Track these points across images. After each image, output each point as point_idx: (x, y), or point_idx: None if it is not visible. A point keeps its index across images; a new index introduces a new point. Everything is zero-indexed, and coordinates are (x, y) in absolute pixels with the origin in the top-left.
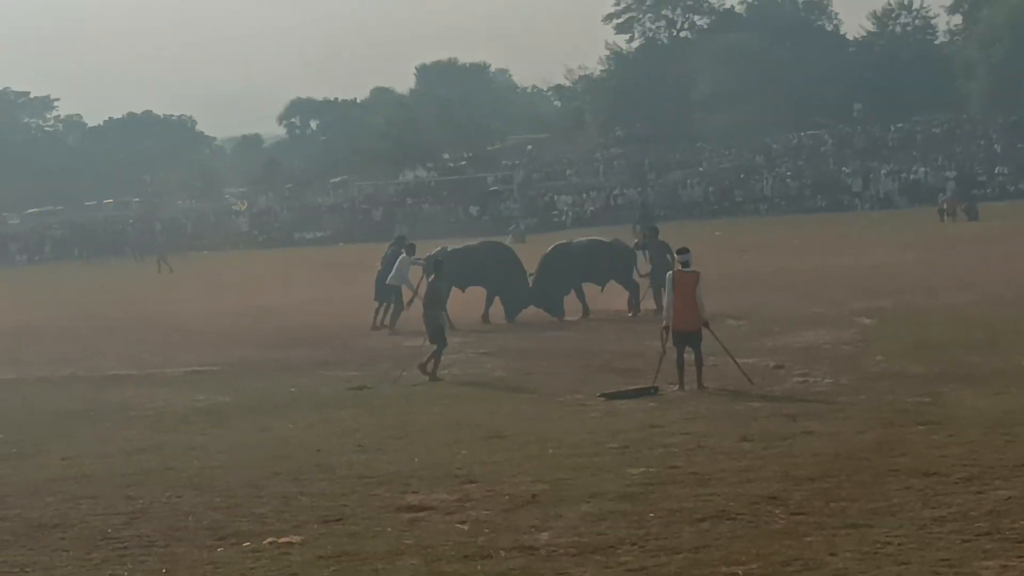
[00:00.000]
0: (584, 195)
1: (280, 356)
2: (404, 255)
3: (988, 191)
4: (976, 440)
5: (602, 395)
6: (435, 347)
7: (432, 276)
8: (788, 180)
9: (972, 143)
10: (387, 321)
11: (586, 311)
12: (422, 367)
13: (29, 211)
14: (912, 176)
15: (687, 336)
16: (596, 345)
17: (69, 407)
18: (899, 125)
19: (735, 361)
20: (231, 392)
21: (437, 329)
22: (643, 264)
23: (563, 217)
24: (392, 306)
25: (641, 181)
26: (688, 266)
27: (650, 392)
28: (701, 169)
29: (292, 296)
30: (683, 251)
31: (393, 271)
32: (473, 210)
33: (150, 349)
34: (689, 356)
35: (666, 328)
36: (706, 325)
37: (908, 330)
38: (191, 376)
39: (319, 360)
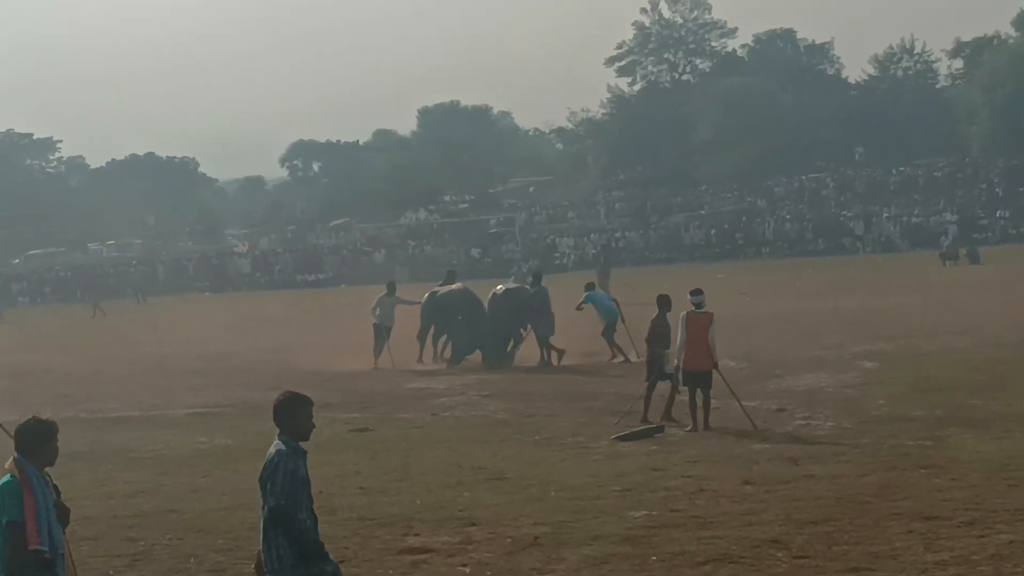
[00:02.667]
0: (586, 237)
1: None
2: (386, 295)
3: (989, 235)
4: (978, 484)
5: (616, 437)
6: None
7: (657, 313)
8: (790, 223)
9: (974, 187)
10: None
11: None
12: (666, 414)
13: (31, 252)
14: (914, 220)
15: (697, 376)
16: (598, 387)
17: (71, 448)
18: (901, 169)
19: (740, 404)
20: (233, 434)
21: (660, 367)
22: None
23: (564, 260)
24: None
25: (643, 224)
26: (701, 307)
27: (657, 431)
28: (703, 212)
29: (293, 338)
30: (696, 292)
31: (381, 311)
32: (475, 252)
33: (152, 391)
34: (699, 397)
35: (677, 369)
36: (715, 366)
37: (910, 373)
38: (193, 418)
39: (321, 402)
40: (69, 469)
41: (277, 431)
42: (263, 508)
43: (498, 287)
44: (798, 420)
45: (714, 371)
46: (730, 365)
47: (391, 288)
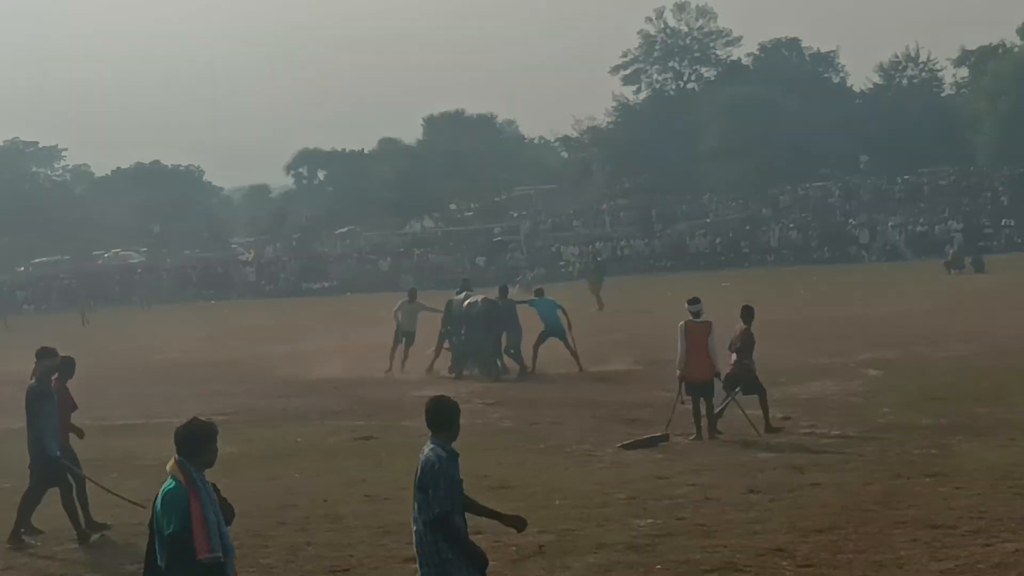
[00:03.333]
0: (590, 246)
1: (287, 405)
2: (408, 301)
3: (994, 243)
4: (983, 492)
5: (621, 446)
6: (758, 395)
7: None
8: (794, 231)
9: (979, 195)
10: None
11: (504, 370)
12: (768, 426)
13: (36, 260)
14: (919, 228)
15: (699, 386)
16: (602, 396)
17: (77, 456)
18: (906, 177)
19: (743, 412)
20: (238, 441)
21: (752, 377)
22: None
23: (569, 268)
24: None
25: (648, 232)
26: (699, 316)
27: (662, 440)
28: (708, 220)
29: (298, 346)
30: (694, 301)
31: (404, 316)
32: (480, 260)
33: (157, 398)
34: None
35: (680, 379)
36: (717, 375)
37: (915, 381)
38: None
39: (326, 410)
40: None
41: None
42: (419, 512)
43: (463, 297)
44: (803, 428)
45: (718, 379)
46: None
47: (413, 295)
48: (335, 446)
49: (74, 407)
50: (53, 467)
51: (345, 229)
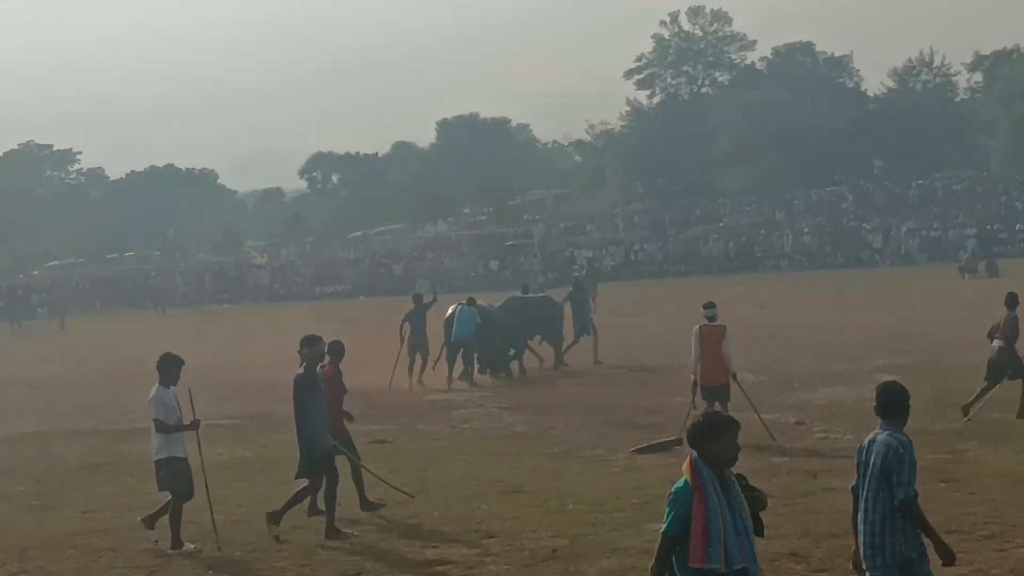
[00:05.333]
0: (604, 250)
1: None
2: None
3: (1008, 248)
4: (998, 498)
5: (635, 450)
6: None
7: (1008, 310)
8: (808, 236)
9: (993, 200)
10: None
11: (523, 370)
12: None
13: (50, 264)
14: (932, 233)
15: (714, 390)
16: (616, 400)
17: (90, 460)
18: (919, 182)
19: (759, 416)
20: (251, 446)
21: (1019, 363)
22: None
23: (583, 272)
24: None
25: (661, 236)
26: (714, 320)
27: (675, 444)
28: (721, 224)
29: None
30: (709, 305)
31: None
32: (493, 264)
33: None
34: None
35: (695, 383)
36: (734, 378)
37: (929, 387)
38: (212, 430)
39: None
40: (88, 481)
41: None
42: (874, 504)
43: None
44: (817, 433)
45: (734, 383)
46: (749, 378)
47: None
48: None
49: (345, 391)
50: (326, 458)
51: (359, 233)
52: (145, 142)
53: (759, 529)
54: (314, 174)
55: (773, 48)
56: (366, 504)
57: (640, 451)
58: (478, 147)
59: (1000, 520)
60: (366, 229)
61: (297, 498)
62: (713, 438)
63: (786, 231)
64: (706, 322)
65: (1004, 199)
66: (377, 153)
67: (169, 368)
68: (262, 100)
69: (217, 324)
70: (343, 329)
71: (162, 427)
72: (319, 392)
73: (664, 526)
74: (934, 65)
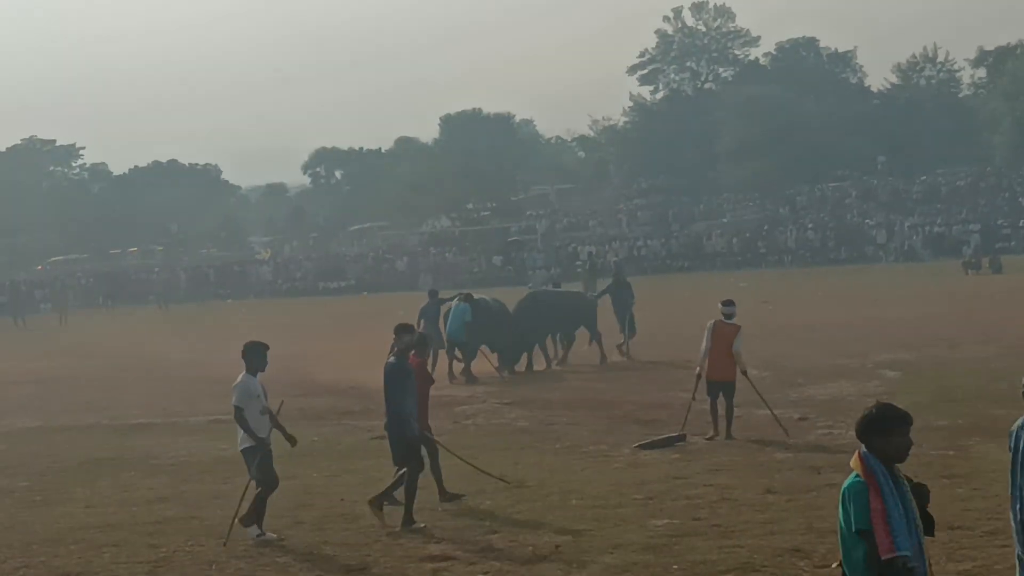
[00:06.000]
0: (607, 245)
1: (303, 405)
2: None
3: (1012, 244)
4: (1001, 494)
5: (638, 446)
6: None
7: None
8: (812, 232)
9: (996, 196)
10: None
11: (549, 363)
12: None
13: (54, 259)
14: (936, 229)
15: (720, 385)
16: (619, 395)
17: (93, 455)
18: (923, 178)
19: (772, 412)
20: None
21: None
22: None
23: (586, 267)
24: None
25: (665, 232)
26: (731, 318)
27: (679, 440)
28: (725, 220)
29: (314, 345)
30: (728, 303)
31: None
32: (496, 260)
33: (174, 397)
34: (721, 405)
35: (699, 376)
36: (744, 374)
37: (932, 382)
38: (214, 425)
39: (342, 409)
40: (92, 476)
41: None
42: (1018, 488)
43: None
44: (820, 429)
45: (744, 378)
46: (753, 373)
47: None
48: (352, 446)
49: (432, 381)
50: (415, 447)
51: (361, 228)
52: (148, 137)
53: (930, 528)
54: (317, 169)
55: (776, 44)
56: (445, 495)
57: (644, 447)
58: (481, 142)
59: (1002, 516)
60: (369, 224)
61: (399, 483)
62: (886, 432)
63: (789, 226)
64: (722, 318)
65: (1008, 195)
66: (380, 148)
67: (255, 355)
68: (265, 95)
69: (220, 319)
70: (348, 324)
71: (239, 418)
72: (410, 381)
73: (854, 524)
74: (938, 61)
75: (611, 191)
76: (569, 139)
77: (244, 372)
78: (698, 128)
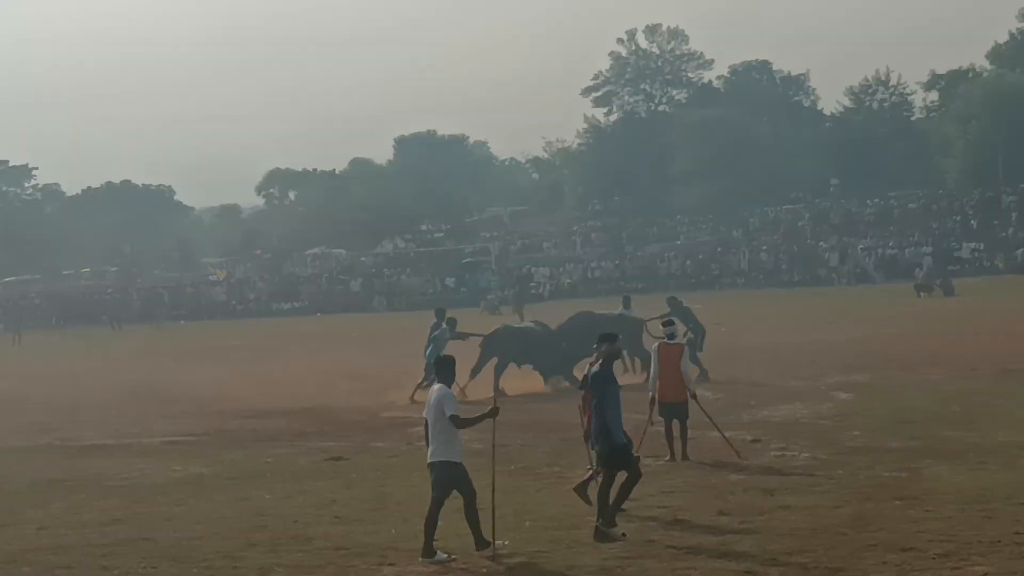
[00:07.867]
0: (561, 267)
1: (257, 426)
2: (444, 328)
3: (964, 267)
4: (953, 516)
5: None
6: None
7: None
8: (765, 254)
9: (948, 219)
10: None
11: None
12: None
13: (6, 279)
14: (888, 251)
15: (673, 407)
16: (573, 417)
17: (45, 476)
18: (876, 200)
19: (722, 434)
20: (208, 462)
21: None
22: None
23: (541, 289)
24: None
25: (618, 254)
26: (673, 338)
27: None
28: (678, 242)
29: (268, 366)
30: (668, 323)
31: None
32: (450, 281)
33: (127, 419)
34: (676, 427)
35: (652, 400)
36: (693, 396)
37: (885, 405)
38: (168, 446)
39: (296, 431)
40: (44, 498)
41: None
42: None
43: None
44: (773, 451)
45: (693, 401)
46: (706, 395)
47: (452, 324)
48: (305, 467)
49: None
50: (621, 453)
51: (316, 249)
52: (101, 158)
53: None
54: (271, 190)
55: (730, 66)
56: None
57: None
58: (435, 164)
59: (955, 538)
60: (323, 246)
61: (624, 492)
62: None
63: (743, 249)
64: (665, 340)
65: (959, 218)
66: (334, 170)
67: (447, 369)
68: (219, 116)
69: (173, 341)
70: (302, 345)
71: (461, 422)
72: (614, 389)
73: None
74: (890, 84)
75: (565, 213)
76: (523, 161)
77: (441, 385)
78: (652, 150)
